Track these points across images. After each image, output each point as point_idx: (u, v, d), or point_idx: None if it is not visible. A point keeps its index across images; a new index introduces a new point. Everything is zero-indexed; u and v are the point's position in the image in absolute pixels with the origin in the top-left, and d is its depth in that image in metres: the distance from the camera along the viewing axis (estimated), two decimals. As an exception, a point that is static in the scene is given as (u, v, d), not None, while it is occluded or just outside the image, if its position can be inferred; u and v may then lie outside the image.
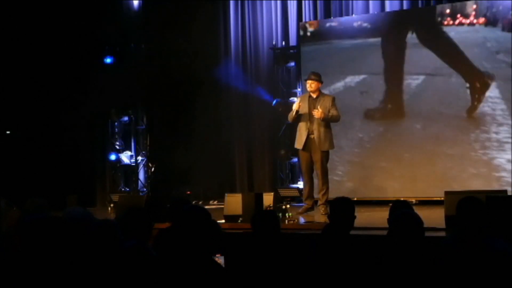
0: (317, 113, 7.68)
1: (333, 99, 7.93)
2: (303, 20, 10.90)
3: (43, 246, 3.11)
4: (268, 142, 11.31)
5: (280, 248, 4.06)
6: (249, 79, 11.45)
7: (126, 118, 11.55)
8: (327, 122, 7.83)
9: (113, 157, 11.42)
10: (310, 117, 7.83)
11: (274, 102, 10.81)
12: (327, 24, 10.46)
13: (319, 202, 7.88)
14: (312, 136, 7.81)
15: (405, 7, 10.15)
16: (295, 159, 10.61)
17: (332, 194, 7.34)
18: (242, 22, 11.63)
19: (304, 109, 7.87)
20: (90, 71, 10.70)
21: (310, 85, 7.89)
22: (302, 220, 7.59)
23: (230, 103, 11.54)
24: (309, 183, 7.99)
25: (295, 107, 7.93)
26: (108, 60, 11.37)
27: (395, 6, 10.23)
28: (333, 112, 7.79)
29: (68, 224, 3.58)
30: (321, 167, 7.80)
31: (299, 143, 7.92)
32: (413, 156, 9.61)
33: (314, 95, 7.91)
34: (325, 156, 7.85)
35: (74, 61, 10.68)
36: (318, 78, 7.97)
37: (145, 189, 11.48)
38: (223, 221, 7.31)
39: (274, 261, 3.94)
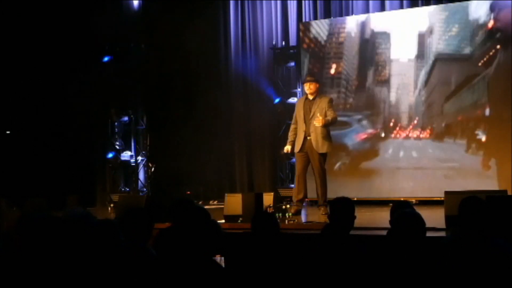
0: (318, 121, 7.61)
1: (330, 100, 7.87)
2: (303, 20, 10.89)
3: (43, 246, 3.11)
4: (268, 142, 11.29)
5: (279, 248, 4.06)
6: (249, 79, 11.45)
7: (126, 118, 11.55)
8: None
9: (110, 155, 11.40)
10: (306, 120, 7.82)
11: (276, 101, 10.83)
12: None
13: (319, 202, 7.87)
14: (309, 137, 7.79)
15: (405, 7, 10.14)
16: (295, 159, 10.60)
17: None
18: (242, 22, 11.62)
19: (300, 113, 7.88)
20: (90, 70, 10.69)
21: (309, 87, 7.85)
22: (302, 219, 7.57)
23: (230, 103, 11.53)
24: (302, 182, 7.94)
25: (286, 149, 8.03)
26: (108, 60, 11.36)
27: (395, 6, 10.22)
28: (329, 114, 7.71)
29: (68, 224, 3.58)
30: (319, 168, 7.77)
31: (297, 146, 7.91)
32: (413, 156, 9.62)
33: (311, 97, 7.86)
34: (323, 157, 7.82)
35: (74, 60, 10.68)
36: (315, 79, 7.97)
37: (145, 189, 11.48)
38: (223, 221, 7.29)
39: (274, 261, 3.94)
